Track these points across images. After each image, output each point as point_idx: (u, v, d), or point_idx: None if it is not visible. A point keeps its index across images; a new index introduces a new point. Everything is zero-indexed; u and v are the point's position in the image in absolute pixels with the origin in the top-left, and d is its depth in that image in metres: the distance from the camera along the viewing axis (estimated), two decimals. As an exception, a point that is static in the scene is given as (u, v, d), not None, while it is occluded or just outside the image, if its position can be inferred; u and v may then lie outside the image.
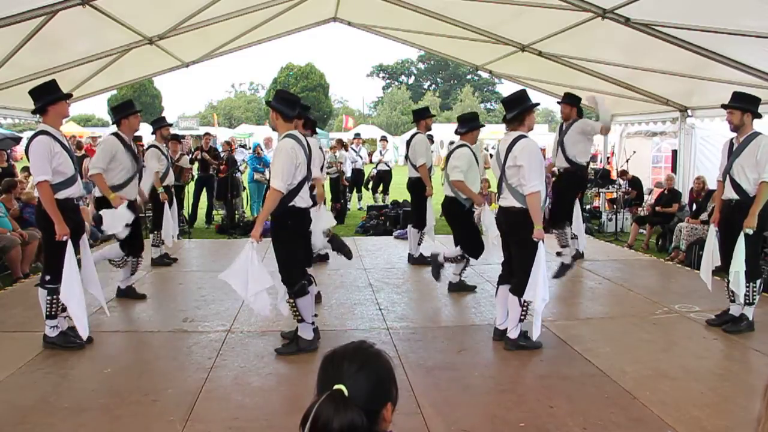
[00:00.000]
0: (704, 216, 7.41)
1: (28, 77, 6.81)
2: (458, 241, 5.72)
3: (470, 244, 5.61)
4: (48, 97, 4.10)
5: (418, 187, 6.82)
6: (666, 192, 8.65)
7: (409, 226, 7.21)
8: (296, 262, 4.12)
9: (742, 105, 4.50)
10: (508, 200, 4.17)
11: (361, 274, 6.58)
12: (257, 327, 4.71)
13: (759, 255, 4.81)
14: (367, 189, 12.78)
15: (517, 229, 4.15)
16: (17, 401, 3.34)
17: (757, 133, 4.45)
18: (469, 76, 55.25)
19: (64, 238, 3.97)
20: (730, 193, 4.56)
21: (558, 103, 6.63)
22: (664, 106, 8.52)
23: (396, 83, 59.74)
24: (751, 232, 4.36)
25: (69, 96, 4.39)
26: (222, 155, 11.01)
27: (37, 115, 4.28)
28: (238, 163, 11.46)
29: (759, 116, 4.53)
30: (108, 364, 3.95)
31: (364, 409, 1.16)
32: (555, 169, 6.95)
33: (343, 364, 1.23)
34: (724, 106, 4.65)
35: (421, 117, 6.96)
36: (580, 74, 8.07)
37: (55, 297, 4.12)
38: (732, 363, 4.01)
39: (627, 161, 10.18)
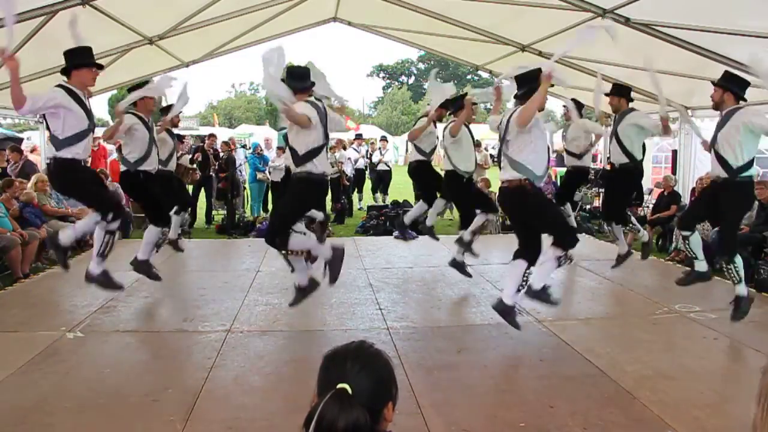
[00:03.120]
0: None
1: (28, 77, 6.79)
2: (463, 209, 6.12)
3: (472, 210, 5.99)
4: (73, 61, 4.17)
5: (421, 168, 6.70)
6: (665, 193, 8.64)
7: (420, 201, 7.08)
8: (293, 222, 4.36)
9: (724, 83, 4.50)
10: (507, 173, 4.19)
11: (361, 274, 6.57)
12: (257, 327, 4.71)
13: (736, 234, 4.82)
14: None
15: (525, 205, 4.21)
16: (17, 401, 3.34)
17: (739, 107, 4.45)
18: (469, 76, 55.13)
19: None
20: (717, 170, 4.50)
21: (606, 95, 6.17)
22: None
23: (396, 83, 59.69)
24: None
25: (97, 66, 4.40)
26: (222, 155, 11.02)
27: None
28: (239, 163, 11.47)
29: (743, 99, 4.51)
30: (108, 364, 3.95)
31: (367, 408, 1.17)
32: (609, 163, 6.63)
33: (346, 364, 1.23)
34: (712, 82, 4.63)
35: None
36: (580, 74, 8.05)
37: (112, 237, 4.37)
38: (732, 363, 4.02)
39: (627, 161, 10.15)
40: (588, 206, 10.71)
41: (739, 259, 4.54)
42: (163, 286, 5.85)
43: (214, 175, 10.75)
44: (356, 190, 12.98)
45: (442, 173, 6.25)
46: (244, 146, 12.91)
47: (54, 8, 5.07)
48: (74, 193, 4.64)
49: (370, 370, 1.23)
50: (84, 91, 4.27)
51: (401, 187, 13.53)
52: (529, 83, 4.14)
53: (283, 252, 4.35)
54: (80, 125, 4.19)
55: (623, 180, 6.12)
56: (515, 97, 4.35)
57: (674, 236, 7.72)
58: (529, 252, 4.32)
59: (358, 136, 14.43)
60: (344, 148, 12.73)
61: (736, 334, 4.50)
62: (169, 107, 6.49)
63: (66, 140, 4.10)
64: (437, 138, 6.68)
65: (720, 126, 4.47)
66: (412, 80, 60.75)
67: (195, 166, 10.11)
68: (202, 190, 10.92)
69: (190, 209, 6.00)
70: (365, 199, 13.07)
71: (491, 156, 14.09)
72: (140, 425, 3.10)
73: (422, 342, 4.41)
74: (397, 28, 8.80)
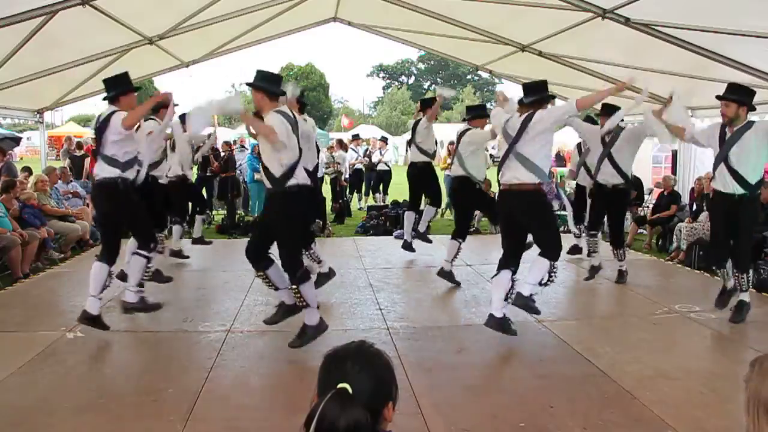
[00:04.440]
0: (703, 216, 7.42)
1: (28, 77, 6.82)
2: (466, 217, 6.11)
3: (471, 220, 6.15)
4: (120, 88, 4.29)
5: (429, 170, 6.91)
6: (665, 193, 8.64)
7: (427, 206, 7.24)
8: (299, 247, 4.11)
9: (739, 97, 4.40)
10: (519, 173, 4.10)
11: (361, 274, 6.57)
12: (257, 327, 4.71)
13: (751, 249, 4.89)
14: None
15: (534, 209, 4.19)
16: (17, 401, 3.34)
17: (752, 122, 4.42)
18: (469, 76, 55.19)
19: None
20: (731, 186, 4.47)
21: (596, 115, 5.93)
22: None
23: (396, 83, 59.69)
24: None
25: (138, 89, 4.62)
26: (222, 155, 11.01)
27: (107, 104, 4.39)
28: (239, 164, 11.47)
29: (753, 109, 4.50)
30: (108, 364, 3.95)
31: (367, 408, 1.17)
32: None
33: (346, 364, 1.23)
34: (719, 97, 4.51)
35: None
36: (580, 74, 8.06)
37: (149, 265, 4.50)
38: (732, 363, 4.01)
39: (627, 161, 10.15)
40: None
41: (748, 275, 4.67)
42: (163, 286, 5.85)
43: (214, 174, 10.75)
44: (355, 190, 12.99)
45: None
46: (243, 146, 12.90)
47: (54, 8, 5.07)
48: (125, 216, 4.55)
49: (370, 370, 1.23)
50: None
51: (401, 187, 13.53)
52: (539, 92, 4.21)
53: (261, 275, 4.15)
54: (136, 149, 4.45)
55: (619, 202, 6.10)
56: (522, 103, 4.29)
57: (674, 236, 7.72)
58: (514, 261, 4.34)
59: (356, 137, 14.44)
60: (345, 149, 12.74)
61: (736, 334, 4.50)
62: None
63: (127, 163, 4.32)
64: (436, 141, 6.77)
65: (733, 141, 4.41)
66: (412, 80, 60.75)
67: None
68: (203, 190, 10.92)
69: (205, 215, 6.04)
70: (365, 199, 13.06)
71: (491, 156, 14.09)
72: (140, 425, 3.10)
73: (422, 342, 4.41)
74: (397, 28, 8.79)
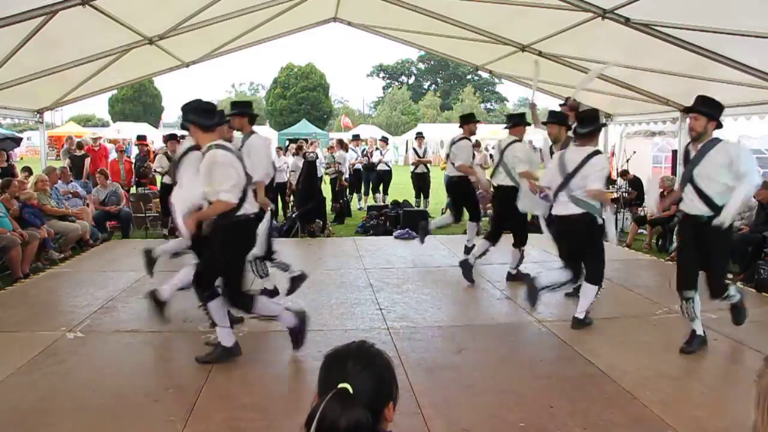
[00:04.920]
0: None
1: (28, 77, 6.82)
2: (507, 224, 6.14)
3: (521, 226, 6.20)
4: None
5: (461, 185, 7.06)
6: (665, 194, 8.63)
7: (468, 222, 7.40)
8: (219, 273, 3.85)
9: (709, 111, 4.02)
10: (569, 209, 4.58)
11: (361, 274, 6.57)
12: (257, 327, 4.70)
13: (725, 275, 4.45)
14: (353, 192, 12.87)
15: (584, 234, 4.63)
16: (17, 401, 3.34)
17: (718, 139, 4.04)
18: (469, 76, 55.21)
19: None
20: (697, 207, 4.10)
21: (544, 123, 5.79)
22: (664, 106, 8.51)
23: (396, 83, 59.70)
24: (724, 224, 3.97)
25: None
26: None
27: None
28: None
29: (720, 126, 4.11)
30: (108, 364, 3.95)
31: (368, 408, 1.17)
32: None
33: (347, 364, 1.23)
34: (687, 110, 4.17)
35: (467, 121, 7.14)
36: (580, 74, 8.05)
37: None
38: (732, 363, 4.02)
39: (627, 161, 10.18)
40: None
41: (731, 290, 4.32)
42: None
43: None
44: (355, 190, 12.99)
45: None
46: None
47: (54, 8, 5.07)
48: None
49: (371, 370, 1.23)
50: None
51: (401, 187, 13.54)
52: (593, 123, 4.62)
53: (203, 306, 4.03)
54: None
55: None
56: (576, 133, 4.68)
57: (674, 236, 7.72)
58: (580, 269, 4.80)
59: (356, 137, 14.43)
60: (345, 149, 12.74)
61: (736, 334, 4.50)
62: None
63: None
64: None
65: (697, 159, 4.04)
66: (412, 80, 60.77)
67: None
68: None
69: None
70: (365, 199, 13.06)
71: (491, 156, 14.10)
72: (140, 425, 3.10)
73: (422, 342, 4.41)
74: (397, 28, 8.79)
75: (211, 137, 3.76)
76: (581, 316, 4.73)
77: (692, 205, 4.14)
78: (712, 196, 4.01)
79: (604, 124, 4.67)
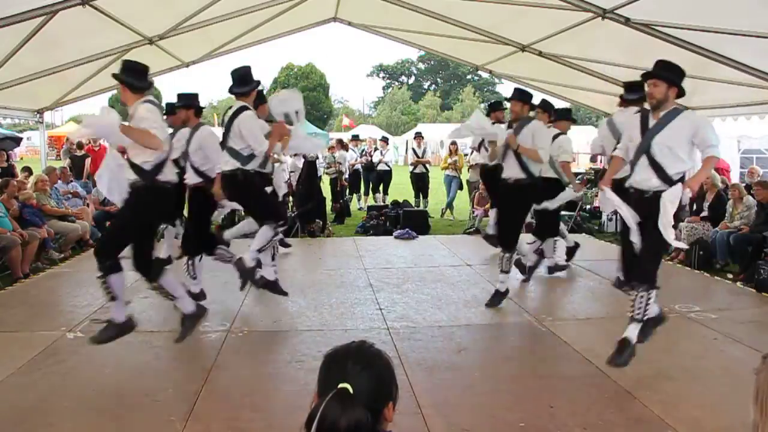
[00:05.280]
0: (704, 214, 7.45)
1: (28, 77, 6.82)
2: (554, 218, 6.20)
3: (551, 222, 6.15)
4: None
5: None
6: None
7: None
8: (128, 239, 3.81)
9: (669, 75, 3.65)
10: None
11: (361, 274, 6.57)
12: (257, 327, 4.71)
13: (660, 259, 3.90)
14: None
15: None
16: (17, 401, 3.34)
17: (680, 109, 3.67)
18: (469, 76, 55.20)
19: None
20: (649, 181, 3.65)
21: (507, 99, 5.64)
22: (664, 106, 8.51)
23: (396, 83, 59.70)
24: (689, 194, 3.67)
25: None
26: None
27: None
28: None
29: (682, 94, 3.71)
30: (108, 364, 3.95)
31: (368, 408, 1.17)
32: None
33: (347, 364, 1.23)
34: (646, 75, 3.74)
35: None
36: (580, 74, 8.06)
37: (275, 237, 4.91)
38: (732, 363, 4.01)
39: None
40: (588, 206, 10.72)
41: (655, 295, 3.73)
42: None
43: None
44: (354, 191, 12.99)
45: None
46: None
47: (54, 8, 5.07)
48: (252, 201, 4.90)
49: (371, 370, 1.23)
50: None
51: (401, 187, 13.54)
52: (639, 91, 4.69)
53: (154, 286, 4.08)
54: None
55: (518, 198, 5.27)
56: (623, 99, 5.15)
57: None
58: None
59: (355, 137, 14.42)
60: (345, 149, 12.74)
61: (736, 334, 4.50)
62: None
63: (251, 156, 4.63)
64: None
65: (657, 129, 3.65)
66: (412, 80, 60.77)
67: None
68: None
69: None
70: (364, 198, 13.06)
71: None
72: (140, 425, 3.10)
73: (422, 342, 4.41)
74: (397, 28, 8.79)
75: (139, 97, 3.76)
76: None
77: (643, 177, 3.69)
78: (667, 170, 3.60)
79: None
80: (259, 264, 4.95)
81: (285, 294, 5.25)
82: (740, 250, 6.66)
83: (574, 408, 3.28)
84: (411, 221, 9.49)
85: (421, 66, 60.19)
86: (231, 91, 4.70)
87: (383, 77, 61.22)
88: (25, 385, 3.58)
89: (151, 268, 3.94)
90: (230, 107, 4.84)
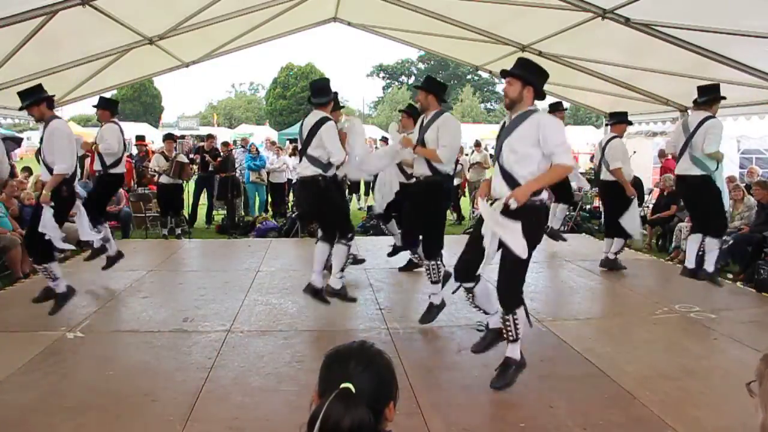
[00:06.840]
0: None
1: (28, 77, 6.81)
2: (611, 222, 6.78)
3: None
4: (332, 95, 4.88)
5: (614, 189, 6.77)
6: (664, 193, 8.64)
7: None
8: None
9: (524, 74, 3.38)
10: (690, 169, 5.43)
11: (361, 274, 6.57)
12: (257, 327, 4.71)
13: (521, 281, 3.58)
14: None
15: (700, 192, 5.44)
16: (17, 401, 3.34)
17: (532, 110, 3.38)
18: (469, 76, 55.19)
19: None
20: (499, 191, 3.41)
21: (416, 87, 4.94)
22: (664, 106, 8.51)
23: (396, 83, 59.69)
24: (514, 204, 3.24)
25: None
26: (222, 155, 11.03)
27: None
28: (239, 164, 11.47)
29: (542, 96, 3.47)
30: (108, 364, 3.94)
31: (370, 408, 1.17)
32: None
33: (349, 364, 1.23)
34: (503, 73, 3.47)
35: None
36: (580, 74, 8.06)
37: (350, 250, 5.05)
38: (732, 363, 4.01)
39: (627, 161, 10.16)
40: (588, 206, 10.72)
41: (521, 313, 3.52)
42: (163, 286, 5.84)
43: (214, 171, 10.75)
44: (354, 191, 12.98)
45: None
46: (243, 146, 12.91)
47: (54, 8, 5.07)
48: (328, 208, 4.99)
49: (372, 370, 1.23)
50: None
51: (401, 187, 13.50)
52: (710, 93, 5.40)
53: (41, 268, 4.88)
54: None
55: (427, 196, 4.67)
56: (696, 102, 5.47)
57: (674, 236, 7.73)
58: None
59: None
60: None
61: (736, 334, 4.50)
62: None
63: (328, 164, 4.77)
64: None
65: (509, 130, 3.39)
66: (412, 80, 60.74)
67: (188, 160, 10.10)
68: (204, 190, 10.93)
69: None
70: (364, 198, 13.06)
71: (491, 156, 14.14)
72: (140, 425, 3.10)
73: (422, 342, 4.41)
74: (397, 28, 8.79)
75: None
76: (711, 268, 5.53)
77: (497, 187, 3.44)
78: (517, 178, 3.31)
79: (723, 97, 5.45)
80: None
81: (327, 303, 5.04)
82: (740, 250, 6.66)
83: (574, 408, 3.28)
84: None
85: (421, 66, 60.14)
86: (311, 101, 4.89)
87: (383, 77, 61.22)
88: (25, 385, 3.58)
89: (35, 250, 4.85)
90: (306, 116, 5.00)
